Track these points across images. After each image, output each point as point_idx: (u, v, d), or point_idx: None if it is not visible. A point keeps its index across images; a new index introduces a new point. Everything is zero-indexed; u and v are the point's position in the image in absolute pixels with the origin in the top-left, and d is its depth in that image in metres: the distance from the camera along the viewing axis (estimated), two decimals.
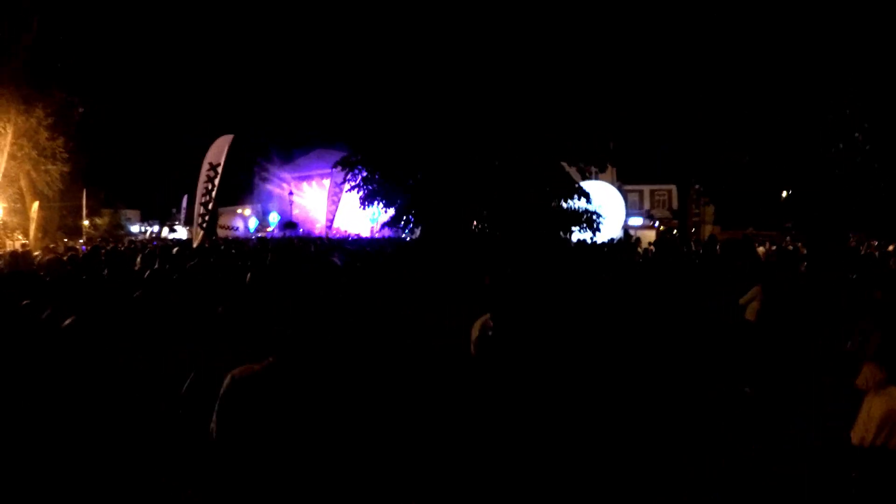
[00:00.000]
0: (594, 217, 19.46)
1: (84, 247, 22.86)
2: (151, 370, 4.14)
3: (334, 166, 22.15)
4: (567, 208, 18.93)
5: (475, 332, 5.07)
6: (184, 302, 6.23)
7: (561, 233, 18.54)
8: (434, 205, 17.31)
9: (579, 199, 19.08)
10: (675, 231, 40.97)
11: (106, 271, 9.80)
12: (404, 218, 19.33)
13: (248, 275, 7.91)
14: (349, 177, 20.30)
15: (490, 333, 4.72)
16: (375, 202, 19.99)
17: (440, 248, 15.74)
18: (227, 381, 2.79)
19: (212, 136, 21.16)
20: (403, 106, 17.58)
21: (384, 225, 21.16)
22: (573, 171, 19.94)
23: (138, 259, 12.65)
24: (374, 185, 19.35)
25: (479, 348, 4.92)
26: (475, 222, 18.04)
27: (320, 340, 2.95)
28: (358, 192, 20.01)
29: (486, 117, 16.45)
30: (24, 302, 5.08)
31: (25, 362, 3.95)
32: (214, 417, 2.79)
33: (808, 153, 18.40)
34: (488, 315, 4.95)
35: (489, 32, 16.44)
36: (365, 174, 19.49)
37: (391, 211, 20.03)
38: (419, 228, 19.37)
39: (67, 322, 4.00)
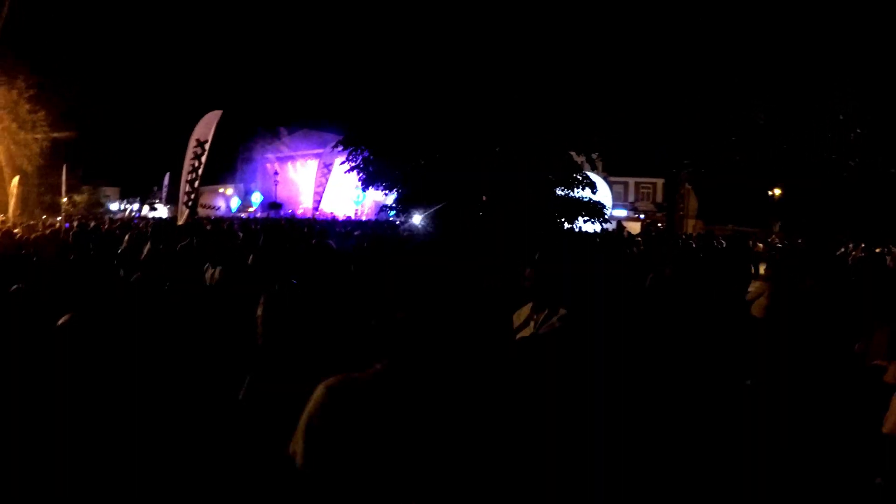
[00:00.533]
0: (601, 207, 19.32)
1: (68, 224, 22.33)
2: (183, 372, 3.74)
3: (335, 146, 21.60)
4: (571, 197, 18.70)
5: (518, 322, 4.94)
6: (190, 287, 5.96)
7: (565, 222, 18.30)
8: (439, 189, 16.97)
9: (583, 189, 18.88)
10: (659, 224, 41.12)
11: (93, 251, 9.53)
12: (404, 202, 19.07)
13: (251, 257, 7.63)
14: (350, 157, 19.76)
15: (535, 325, 4.65)
16: (376, 185, 19.65)
17: (449, 235, 15.49)
18: (319, 394, 2.19)
19: (194, 112, 20.66)
20: (407, 86, 17.26)
21: (381, 208, 20.89)
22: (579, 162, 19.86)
23: (126, 238, 12.30)
24: (374, 167, 18.99)
25: (529, 341, 4.76)
26: (479, 211, 17.68)
27: (445, 338, 2.33)
28: (358, 175, 19.60)
29: (492, 100, 16.17)
30: (15, 287, 4.54)
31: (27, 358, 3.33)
32: (301, 438, 2.18)
33: (803, 153, 18.45)
34: (531, 305, 4.84)
35: (495, 19, 16.27)
36: (366, 155, 19.06)
37: (391, 197, 19.81)
38: (416, 213, 19.07)
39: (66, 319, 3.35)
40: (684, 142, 20.22)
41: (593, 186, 19.29)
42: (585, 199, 18.89)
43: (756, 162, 20.65)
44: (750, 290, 9.98)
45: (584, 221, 18.82)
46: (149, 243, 10.13)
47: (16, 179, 31.16)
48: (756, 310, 9.40)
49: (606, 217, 19.48)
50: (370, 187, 20.23)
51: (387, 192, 19.93)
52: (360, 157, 19.10)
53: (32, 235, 12.57)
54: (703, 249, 17.96)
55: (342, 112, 22.96)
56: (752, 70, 18.15)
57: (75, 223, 20.64)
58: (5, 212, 31.05)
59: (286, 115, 57.62)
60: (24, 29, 31.25)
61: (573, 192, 18.54)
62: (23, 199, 33.21)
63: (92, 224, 20.77)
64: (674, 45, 18.18)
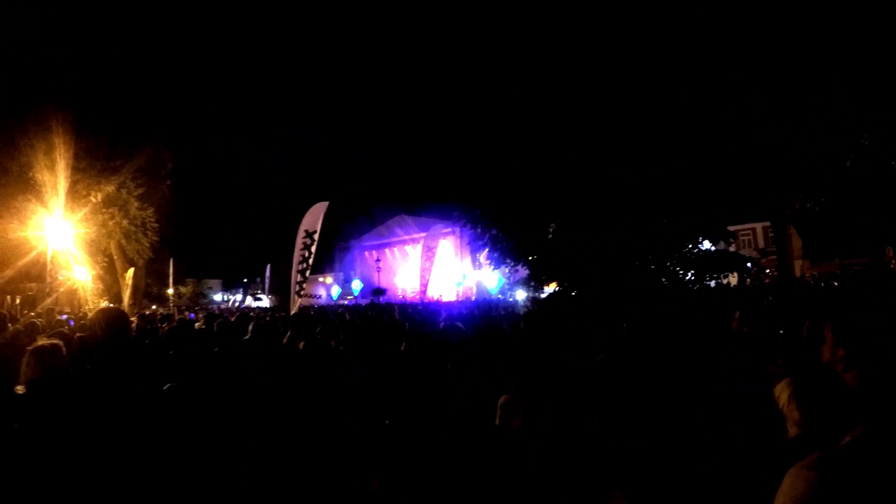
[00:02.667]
0: (745, 260, 18.01)
1: (192, 314, 22.98)
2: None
3: (463, 226, 21.05)
4: (709, 251, 17.45)
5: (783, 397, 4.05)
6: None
7: (694, 278, 16.98)
8: (580, 254, 16.02)
9: (717, 243, 17.72)
10: (766, 270, 39.11)
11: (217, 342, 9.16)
12: (540, 274, 18.14)
13: (403, 344, 7.04)
14: (476, 237, 19.14)
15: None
16: (505, 262, 18.86)
17: (601, 302, 14.44)
18: (804, 480, 1.65)
19: (290, 205, 21.12)
20: (535, 151, 16.65)
21: (511, 284, 20.15)
22: None
23: (250, 328, 11.92)
24: (505, 244, 18.23)
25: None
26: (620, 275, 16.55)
27: None
28: (489, 253, 18.87)
29: (629, 153, 15.37)
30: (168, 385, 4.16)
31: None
32: None
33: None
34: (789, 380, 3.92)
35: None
36: (494, 233, 18.36)
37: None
38: (548, 287, 18.19)
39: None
40: (791, 179, 18.65)
41: (727, 237, 18.07)
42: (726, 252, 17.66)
43: (864, 188, 19.02)
44: None
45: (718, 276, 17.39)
46: (289, 332, 9.68)
47: (130, 271, 32.75)
48: None
49: (750, 269, 18.08)
50: (501, 265, 19.41)
51: (517, 268, 19.10)
52: (488, 236, 18.40)
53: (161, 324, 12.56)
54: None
55: (461, 188, 22.31)
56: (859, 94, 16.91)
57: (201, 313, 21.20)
58: (119, 301, 33.16)
59: (380, 200, 58.44)
60: (135, 137, 33.19)
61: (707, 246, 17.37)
62: (134, 290, 34.50)
63: (203, 314, 21.01)
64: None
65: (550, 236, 17.12)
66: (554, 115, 16.39)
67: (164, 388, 3.94)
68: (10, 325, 8.77)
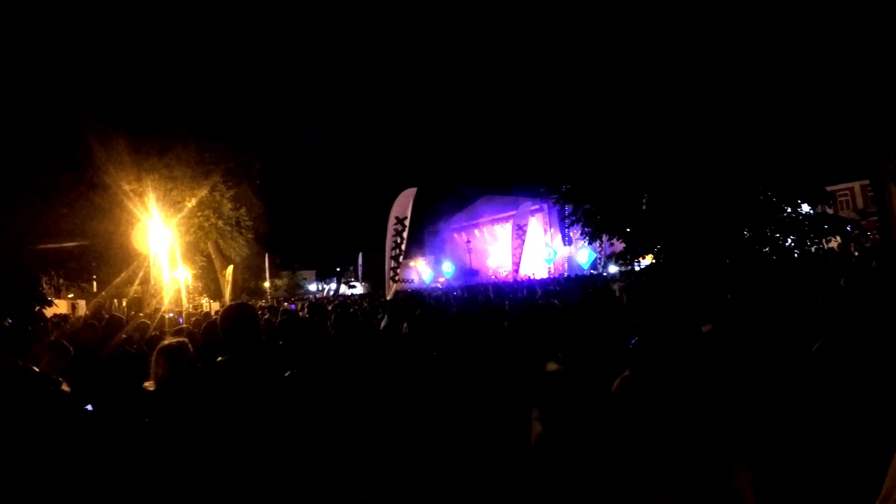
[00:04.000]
0: (846, 223, 17.04)
1: (293, 306, 23.99)
2: None
3: (555, 203, 20.79)
4: (807, 214, 16.50)
5: None
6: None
7: (794, 245, 16.10)
8: (675, 224, 15.54)
9: (816, 206, 16.88)
10: (868, 233, 37.05)
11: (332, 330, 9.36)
12: (636, 247, 17.71)
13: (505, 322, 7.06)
14: (568, 212, 18.88)
15: None
16: (596, 238, 18.55)
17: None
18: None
19: (377, 193, 21.53)
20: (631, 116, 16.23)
21: (604, 259, 19.95)
22: None
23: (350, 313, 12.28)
24: (599, 218, 17.89)
25: None
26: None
27: None
28: (582, 228, 18.58)
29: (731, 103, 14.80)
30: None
31: None
32: None
33: None
34: None
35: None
36: (587, 207, 18.05)
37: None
38: (643, 259, 17.80)
39: None
40: (888, 131, 17.34)
41: (826, 198, 17.07)
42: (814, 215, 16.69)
43: None
44: None
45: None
46: (386, 317, 9.82)
47: (230, 268, 34.12)
48: None
49: (851, 231, 16.98)
50: (596, 240, 19.09)
51: (612, 242, 18.78)
52: (580, 211, 18.10)
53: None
54: None
55: (532, 172, 22.01)
56: None
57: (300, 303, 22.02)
58: (219, 297, 35.48)
59: (464, 182, 58.47)
60: (223, 142, 34.68)
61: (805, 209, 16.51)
62: (234, 285, 36.16)
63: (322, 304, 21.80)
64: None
65: (644, 207, 16.71)
66: (642, 83, 15.96)
67: (286, 375, 4.08)
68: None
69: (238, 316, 3.86)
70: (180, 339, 4.48)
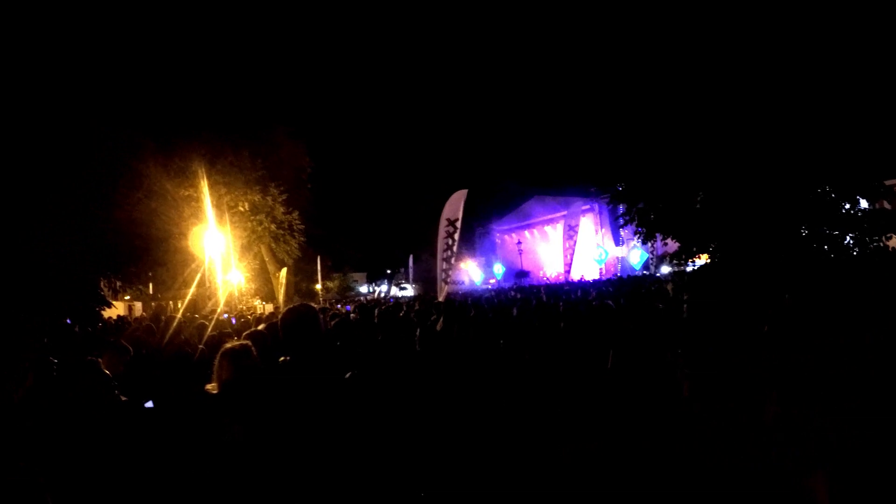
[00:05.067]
0: None
1: (349, 307, 24.92)
2: None
3: (609, 203, 20.67)
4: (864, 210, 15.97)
5: None
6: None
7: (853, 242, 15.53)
8: (731, 223, 15.24)
9: (875, 201, 16.35)
10: None
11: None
12: (690, 246, 17.38)
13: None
14: (616, 212, 18.75)
15: None
16: (656, 236, 18.26)
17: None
18: None
19: (428, 195, 21.64)
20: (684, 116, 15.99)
21: (656, 259, 19.73)
22: None
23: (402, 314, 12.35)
24: (653, 217, 17.61)
25: None
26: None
27: None
28: (636, 227, 18.33)
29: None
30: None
31: None
32: None
33: None
34: None
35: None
36: (641, 206, 17.78)
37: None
38: (698, 259, 17.50)
39: None
40: None
41: (888, 194, 16.45)
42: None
43: None
44: None
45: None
46: (441, 318, 9.86)
47: (283, 271, 34.79)
48: None
49: None
50: (650, 240, 18.84)
51: (665, 242, 18.57)
52: (634, 210, 17.82)
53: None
54: None
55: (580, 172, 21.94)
56: None
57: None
58: (273, 300, 36.26)
59: (514, 183, 58.25)
60: (274, 147, 35.94)
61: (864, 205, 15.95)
62: (286, 288, 36.76)
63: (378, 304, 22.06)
64: None
65: (698, 206, 16.41)
66: (699, 79, 15.71)
67: (346, 376, 4.13)
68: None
69: (300, 317, 3.94)
70: (244, 342, 4.54)
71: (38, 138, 16.97)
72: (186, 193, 28.79)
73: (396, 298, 41.93)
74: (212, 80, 36.76)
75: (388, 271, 78.15)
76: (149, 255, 27.11)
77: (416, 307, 14.60)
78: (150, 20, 33.58)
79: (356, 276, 74.18)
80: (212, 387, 4.21)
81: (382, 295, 63.77)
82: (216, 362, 4.28)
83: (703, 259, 17.42)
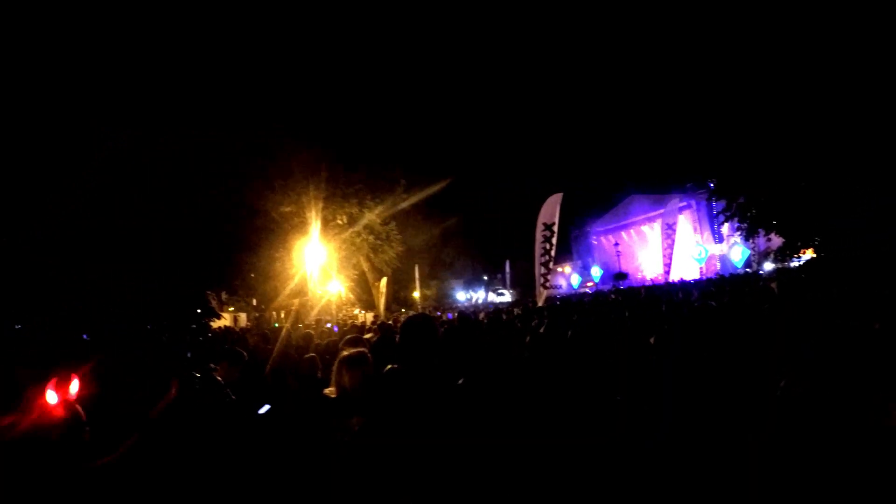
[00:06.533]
0: None
1: (450, 314, 25.40)
2: None
3: (708, 200, 20.26)
4: None
5: None
6: None
7: None
8: (838, 216, 14.79)
9: None
10: None
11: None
12: (795, 242, 16.90)
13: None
14: (716, 208, 18.38)
15: None
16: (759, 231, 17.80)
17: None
18: None
19: (520, 201, 21.69)
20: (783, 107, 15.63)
21: (759, 256, 19.21)
22: None
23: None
24: (752, 212, 17.22)
25: None
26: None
27: None
28: (738, 223, 17.92)
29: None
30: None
31: None
32: None
33: None
34: None
35: None
36: (741, 201, 17.41)
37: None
38: (802, 254, 17.02)
39: None
40: None
41: None
42: None
43: None
44: None
45: None
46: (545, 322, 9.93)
47: (384, 280, 35.80)
48: None
49: None
50: (753, 235, 18.35)
51: (769, 237, 18.06)
52: (735, 206, 17.45)
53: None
54: None
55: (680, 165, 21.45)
56: None
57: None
58: (373, 308, 37.84)
59: (613, 183, 57.52)
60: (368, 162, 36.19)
61: None
62: (386, 296, 38.03)
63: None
64: None
65: (804, 199, 15.94)
66: (804, 71, 15.32)
67: (458, 382, 4.20)
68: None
69: (420, 325, 4.23)
70: (360, 349, 4.74)
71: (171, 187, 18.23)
72: (288, 209, 29.88)
73: (495, 305, 41.99)
74: (306, 98, 37.75)
75: (485, 277, 78.27)
76: (255, 268, 28.31)
77: (516, 313, 14.71)
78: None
79: (453, 282, 74.48)
80: (329, 391, 4.39)
81: (480, 302, 63.82)
82: (334, 368, 4.47)
83: (808, 254, 16.93)
